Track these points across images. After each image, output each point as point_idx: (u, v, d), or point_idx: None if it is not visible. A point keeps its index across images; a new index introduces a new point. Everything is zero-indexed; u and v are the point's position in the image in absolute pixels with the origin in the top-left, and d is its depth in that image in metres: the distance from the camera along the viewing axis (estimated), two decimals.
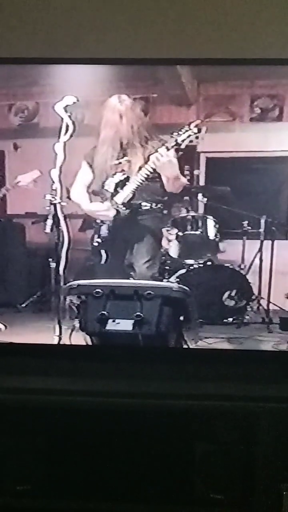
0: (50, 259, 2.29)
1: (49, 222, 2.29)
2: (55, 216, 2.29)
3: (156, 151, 2.25)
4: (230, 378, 1.84)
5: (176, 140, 2.24)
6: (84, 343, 2.14)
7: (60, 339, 2.20)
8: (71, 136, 2.24)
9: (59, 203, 2.29)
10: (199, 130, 2.24)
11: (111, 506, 1.82)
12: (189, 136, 2.23)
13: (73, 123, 2.24)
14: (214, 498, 1.75)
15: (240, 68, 2.20)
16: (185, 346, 2.11)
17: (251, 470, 1.72)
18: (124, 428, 1.81)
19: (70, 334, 2.16)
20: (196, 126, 2.24)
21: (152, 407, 1.75)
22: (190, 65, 2.24)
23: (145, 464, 1.83)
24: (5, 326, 2.24)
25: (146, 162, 2.29)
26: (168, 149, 2.24)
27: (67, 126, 2.24)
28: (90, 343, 2.14)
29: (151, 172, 2.27)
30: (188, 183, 2.39)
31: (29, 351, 2.05)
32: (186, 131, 2.23)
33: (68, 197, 2.36)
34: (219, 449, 1.76)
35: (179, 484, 1.79)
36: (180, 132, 2.24)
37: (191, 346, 2.12)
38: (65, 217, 2.29)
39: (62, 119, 2.23)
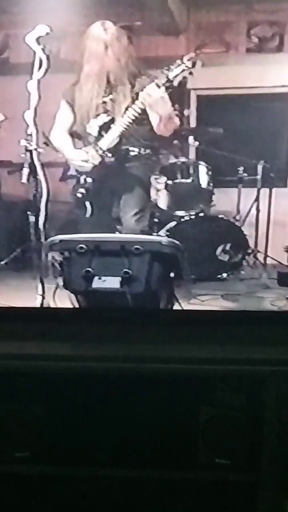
0: (29, 213, 2.10)
1: (25, 171, 2.08)
2: (32, 165, 2.07)
3: (144, 88, 2.01)
4: (235, 340, 1.74)
5: (167, 77, 1.98)
6: (69, 302, 2.02)
7: (43, 298, 2.05)
8: (45, 72, 1.99)
9: (36, 149, 2.06)
10: (194, 65, 1.99)
11: (113, 472, 1.79)
12: (182, 71, 1.98)
13: (47, 57, 1.98)
14: (220, 463, 1.72)
15: None
16: (186, 308, 1.99)
17: (258, 435, 1.68)
18: (128, 393, 1.77)
19: (54, 293, 2.02)
20: (189, 59, 1.98)
21: (155, 371, 1.68)
22: None
23: (148, 429, 1.80)
24: None
25: (133, 101, 2.06)
26: (158, 87, 2.01)
27: (41, 61, 1.98)
28: (75, 302, 2.01)
29: (139, 113, 2.05)
30: (180, 123, 2.19)
31: (20, 315, 1.94)
32: (179, 65, 1.98)
33: (45, 143, 2.15)
34: (224, 414, 1.71)
35: (183, 449, 1.77)
36: (171, 67, 1.98)
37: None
38: (42, 165, 2.08)
39: (34, 52, 1.97)
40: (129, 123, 2.08)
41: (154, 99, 2.01)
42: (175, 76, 1.99)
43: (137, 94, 2.05)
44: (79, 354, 1.69)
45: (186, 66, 1.98)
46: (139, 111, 2.05)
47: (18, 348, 1.71)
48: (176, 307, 2.02)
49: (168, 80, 1.99)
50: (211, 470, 1.73)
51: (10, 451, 1.76)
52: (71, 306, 1.97)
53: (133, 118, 2.06)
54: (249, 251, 2.22)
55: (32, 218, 2.10)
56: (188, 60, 1.98)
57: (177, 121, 2.13)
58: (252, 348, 1.69)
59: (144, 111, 2.05)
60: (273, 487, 1.67)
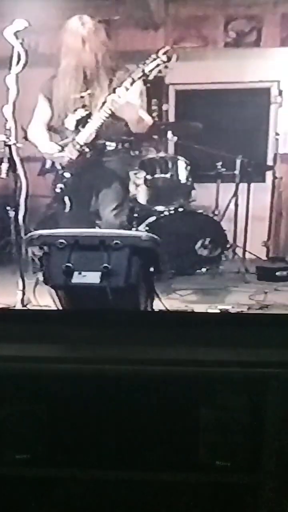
0: (8, 208, 2.10)
1: (4, 166, 2.01)
2: (11, 159, 2.02)
3: (114, 91, 1.99)
4: (236, 342, 1.72)
5: (143, 71, 1.96)
6: (50, 298, 2.01)
7: (23, 293, 2.02)
8: (24, 66, 1.95)
9: (15, 144, 2.01)
10: (169, 59, 1.96)
11: (113, 474, 1.74)
12: (157, 65, 1.96)
13: (26, 51, 1.94)
14: (221, 465, 1.67)
15: None
16: (187, 310, 1.97)
17: (259, 437, 1.63)
18: (128, 395, 1.71)
19: (34, 288, 1.99)
20: (165, 53, 1.96)
21: (156, 373, 1.64)
22: None
23: (148, 432, 1.73)
24: None
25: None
26: (133, 81, 1.99)
27: (19, 55, 1.94)
28: (55, 297, 2.00)
29: (109, 115, 2.04)
30: (153, 121, 2.16)
31: (17, 316, 1.91)
32: (154, 59, 1.96)
33: (25, 138, 2.13)
34: (225, 416, 1.69)
35: (184, 452, 1.73)
36: (147, 61, 1.97)
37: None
38: (21, 160, 2.03)
39: (12, 47, 1.93)
40: (106, 117, 2.06)
41: (120, 105, 2.00)
42: (151, 70, 1.97)
43: (115, 89, 2.05)
44: (80, 356, 1.66)
45: (162, 60, 1.96)
46: (109, 112, 2.03)
47: (18, 350, 1.67)
48: (156, 302, 2.04)
49: (144, 74, 1.98)
50: (212, 472, 1.69)
51: (10, 454, 1.71)
52: (69, 307, 1.93)
53: (108, 115, 2.04)
54: (228, 245, 2.23)
55: (12, 213, 2.08)
56: (164, 54, 1.96)
57: (148, 121, 2.11)
58: (253, 350, 1.66)
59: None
60: (274, 490, 1.65)
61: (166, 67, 1.98)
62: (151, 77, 1.99)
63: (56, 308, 1.95)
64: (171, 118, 2.30)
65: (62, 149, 2.13)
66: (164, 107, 2.26)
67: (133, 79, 2.00)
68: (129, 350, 1.67)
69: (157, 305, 2.00)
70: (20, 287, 2.01)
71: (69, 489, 1.86)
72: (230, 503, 1.78)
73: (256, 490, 1.67)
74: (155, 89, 2.12)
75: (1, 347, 1.70)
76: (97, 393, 1.71)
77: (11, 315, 1.89)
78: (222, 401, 1.69)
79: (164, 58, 1.96)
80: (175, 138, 2.26)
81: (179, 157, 2.25)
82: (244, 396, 1.68)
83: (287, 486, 1.63)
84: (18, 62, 1.95)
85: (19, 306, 2.00)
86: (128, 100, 1.99)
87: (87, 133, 2.09)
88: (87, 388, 1.70)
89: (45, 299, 1.93)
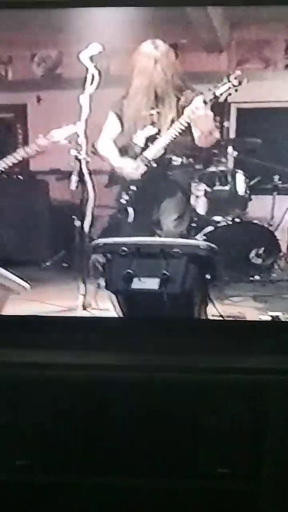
0: (75, 217, 2.24)
1: (74, 178, 2.21)
2: (80, 172, 2.21)
3: (191, 103, 2.13)
4: (238, 349, 1.73)
5: (214, 93, 2.11)
6: (110, 302, 2.09)
7: (85, 298, 2.19)
8: (97, 87, 2.12)
9: (84, 158, 2.20)
10: (240, 83, 2.09)
11: (113, 481, 1.77)
12: (229, 88, 2.09)
13: (99, 73, 2.11)
14: (221, 472, 1.71)
15: (275, 9, 2.02)
16: (196, 317, 2.05)
17: (260, 444, 1.67)
18: (129, 401, 1.74)
19: (96, 292, 2.15)
20: (236, 78, 2.09)
21: (157, 380, 1.70)
22: (222, 6, 2.03)
23: (149, 438, 1.77)
24: (30, 285, 2.18)
25: (179, 114, 2.19)
26: (205, 103, 2.12)
27: (93, 76, 2.12)
28: (115, 302, 2.10)
29: (185, 126, 2.17)
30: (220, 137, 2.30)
31: (22, 323, 1.94)
32: (225, 83, 2.09)
33: (93, 152, 2.30)
34: (226, 423, 1.70)
35: (185, 458, 1.74)
36: (218, 85, 2.10)
37: (211, 315, 2.06)
38: (90, 173, 2.21)
39: (87, 69, 2.11)
40: (175, 135, 2.20)
41: (198, 116, 2.14)
42: (222, 93, 2.11)
43: (182, 107, 2.19)
44: (81, 362, 1.71)
45: (232, 84, 2.10)
46: (185, 124, 2.17)
47: (20, 357, 1.73)
48: (210, 307, 2.13)
49: (215, 97, 2.12)
50: (212, 479, 1.71)
51: (11, 460, 1.76)
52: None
53: (179, 131, 2.19)
54: (281, 254, 2.32)
55: (77, 222, 2.23)
56: (235, 78, 2.10)
57: (217, 135, 2.26)
58: (254, 356, 1.69)
59: (189, 125, 2.18)
60: (274, 497, 1.67)
61: (236, 90, 2.11)
62: (221, 100, 2.13)
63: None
64: (232, 134, 2.40)
65: (131, 164, 2.28)
66: (226, 124, 2.37)
67: (205, 101, 2.13)
68: (130, 357, 1.74)
69: (211, 311, 2.12)
70: (82, 291, 2.19)
71: (70, 495, 1.87)
72: (230, 510, 1.78)
73: (256, 497, 1.69)
74: (218, 107, 2.22)
75: (3, 353, 1.76)
76: (97, 400, 1.75)
77: (13, 322, 1.94)
78: (223, 407, 1.70)
79: (236, 82, 2.10)
80: (235, 153, 2.38)
81: (238, 170, 2.37)
82: (245, 403, 1.69)
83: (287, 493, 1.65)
84: (91, 83, 2.13)
85: (80, 310, 2.18)
86: (207, 112, 2.12)
87: (155, 149, 2.25)
88: (87, 395, 1.74)
89: (105, 304, 2.10)
